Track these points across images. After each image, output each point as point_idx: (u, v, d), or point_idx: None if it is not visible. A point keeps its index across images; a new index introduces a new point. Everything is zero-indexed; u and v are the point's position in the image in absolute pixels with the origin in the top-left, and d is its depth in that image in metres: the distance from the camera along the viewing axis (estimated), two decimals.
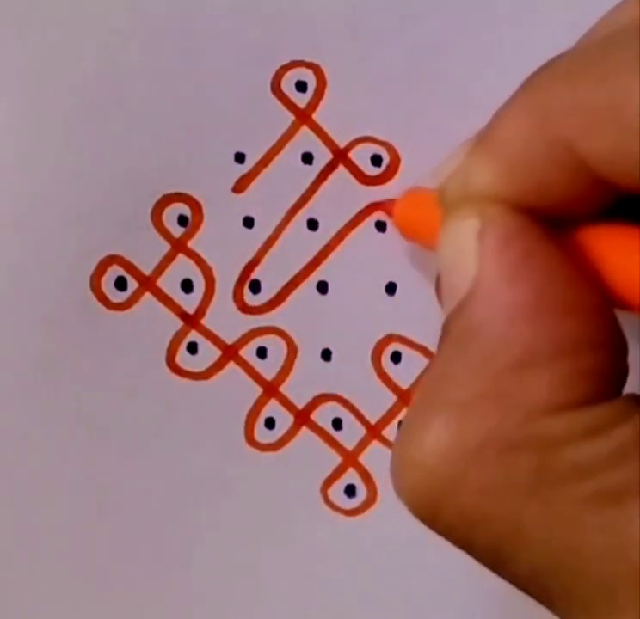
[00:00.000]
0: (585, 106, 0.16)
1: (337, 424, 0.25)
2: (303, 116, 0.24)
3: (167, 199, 0.23)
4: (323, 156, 0.24)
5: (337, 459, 0.25)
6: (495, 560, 0.16)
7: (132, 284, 0.23)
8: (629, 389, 0.17)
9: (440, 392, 0.16)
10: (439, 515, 0.16)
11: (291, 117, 0.24)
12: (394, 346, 0.25)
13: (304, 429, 0.25)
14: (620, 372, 0.17)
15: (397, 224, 0.24)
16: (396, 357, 0.25)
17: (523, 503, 0.15)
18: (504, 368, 0.16)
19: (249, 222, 0.24)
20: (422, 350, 0.25)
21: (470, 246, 0.17)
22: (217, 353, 0.24)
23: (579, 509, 0.15)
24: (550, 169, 0.16)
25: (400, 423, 0.25)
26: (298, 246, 0.24)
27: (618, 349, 0.17)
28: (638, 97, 0.15)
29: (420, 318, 0.24)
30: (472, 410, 0.16)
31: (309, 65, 0.24)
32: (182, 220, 0.23)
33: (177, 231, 0.23)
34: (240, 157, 0.24)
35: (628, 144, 0.15)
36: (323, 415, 0.25)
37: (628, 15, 0.18)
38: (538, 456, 0.15)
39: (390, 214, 0.24)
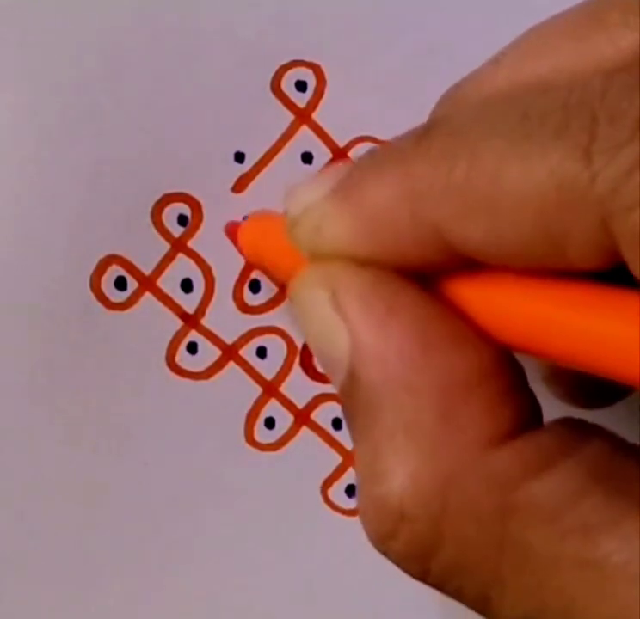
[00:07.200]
0: (458, 193, 0.15)
1: (337, 424, 0.25)
2: (303, 116, 0.24)
3: (167, 199, 0.23)
4: (322, 156, 0.24)
5: (337, 459, 0.25)
6: (486, 608, 0.16)
7: (132, 284, 0.23)
8: None
9: (382, 462, 0.16)
10: (428, 573, 0.16)
11: (291, 116, 0.24)
12: None
13: (304, 429, 0.25)
14: (531, 396, 0.16)
15: (242, 249, 0.23)
16: None
17: (497, 549, 0.15)
18: (427, 419, 0.16)
19: None
20: None
21: (331, 317, 0.16)
22: (217, 353, 0.24)
23: (553, 549, 0.15)
24: (411, 244, 0.16)
25: None
26: None
27: (519, 372, 0.16)
28: (513, 184, 0.14)
29: None
30: (419, 467, 0.16)
31: (309, 65, 0.24)
32: (182, 220, 0.23)
33: (177, 231, 0.23)
34: (240, 157, 0.24)
35: (501, 233, 0.15)
36: (322, 415, 0.25)
37: (502, 78, 0.18)
38: (497, 496, 0.15)
39: (233, 237, 0.24)
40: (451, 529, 0.15)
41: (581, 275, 0.15)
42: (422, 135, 0.16)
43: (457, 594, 0.16)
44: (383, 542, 0.16)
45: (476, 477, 0.15)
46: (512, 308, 0.16)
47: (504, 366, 0.16)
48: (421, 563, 0.16)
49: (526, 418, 0.16)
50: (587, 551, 0.14)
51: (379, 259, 0.16)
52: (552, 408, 0.17)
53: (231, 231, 0.23)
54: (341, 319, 0.16)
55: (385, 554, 0.16)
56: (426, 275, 0.16)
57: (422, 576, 0.16)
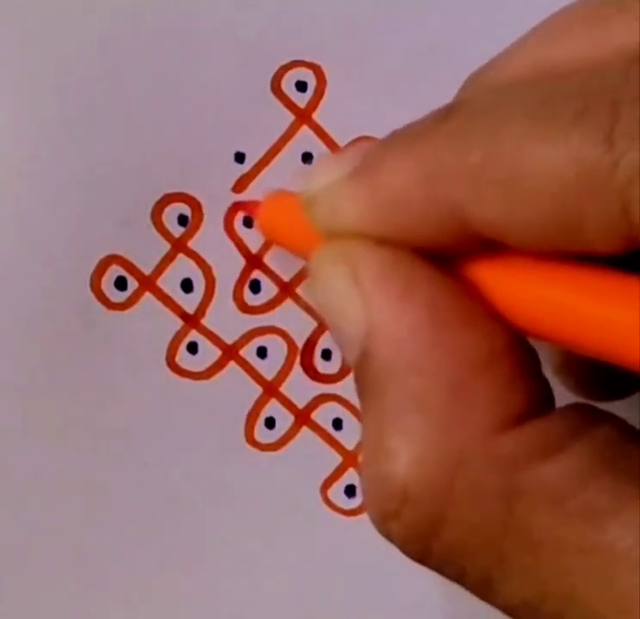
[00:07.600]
0: (475, 175, 0.15)
1: (337, 424, 0.25)
2: (303, 116, 0.24)
3: (167, 199, 0.23)
4: None
5: (337, 459, 0.25)
6: (487, 592, 0.16)
7: (132, 284, 0.23)
8: None
9: (389, 441, 0.16)
10: (430, 555, 0.16)
11: (291, 117, 0.24)
12: None
13: (305, 429, 0.25)
14: (543, 381, 0.16)
15: (261, 226, 0.23)
16: None
17: (501, 532, 0.15)
18: (436, 399, 0.15)
19: (248, 222, 0.24)
20: None
21: (349, 292, 0.16)
22: (217, 353, 0.24)
23: (557, 533, 0.15)
24: (428, 226, 0.16)
25: None
26: None
27: (532, 357, 0.16)
28: (531, 168, 0.14)
29: None
30: (425, 447, 0.15)
31: (309, 65, 0.24)
32: (182, 220, 0.23)
33: (177, 231, 0.23)
34: (240, 157, 0.24)
35: (518, 215, 0.15)
36: (323, 415, 0.25)
37: (523, 64, 0.17)
38: (504, 479, 0.15)
39: (253, 215, 0.24)
40: (455, 511, 0.15)
41: (598, 259, 0.15)
42: (441, 118, 0.16)
43: (458, 577, 0.16)
44: (384, 522, 0.16)
45: (482, 460, 0.15)
46: (527, 291, 0.16)
47: (517, 350, 0.16)
48: (423, 545, 0.16)
49: (538, 403, 0.16)
50: (591, 536, 0.14)
51: (396, 239, 0.16)
52: (563, 398, 0.17)
53: (251, 209, 0.23)
54: (359, 295, 0.16)
55: (386, 534, 0.16)
56: (442, 256, 0.16)
57: (423, 558, 0.16)
